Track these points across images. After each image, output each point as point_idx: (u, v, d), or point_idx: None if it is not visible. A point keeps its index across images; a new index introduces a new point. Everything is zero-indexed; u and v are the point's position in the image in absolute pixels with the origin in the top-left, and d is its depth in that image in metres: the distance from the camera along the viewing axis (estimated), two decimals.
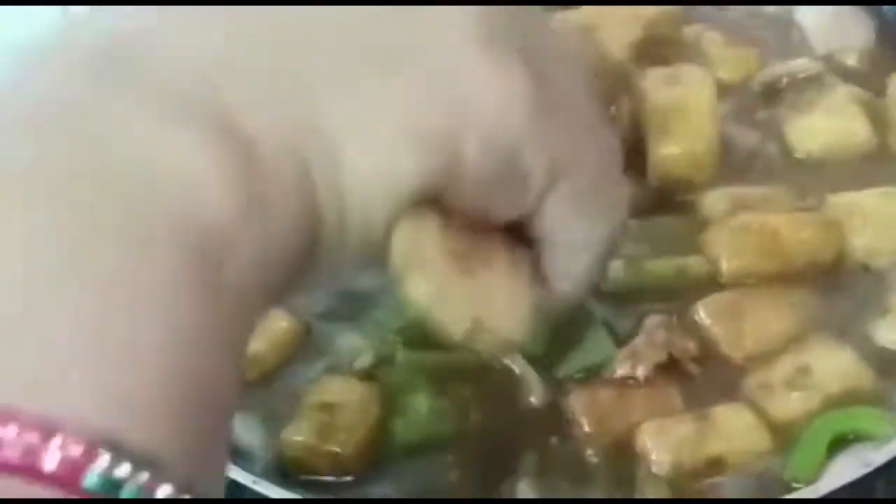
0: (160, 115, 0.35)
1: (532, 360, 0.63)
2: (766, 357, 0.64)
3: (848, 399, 0.63)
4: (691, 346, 0.64)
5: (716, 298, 0.65)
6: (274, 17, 0.37)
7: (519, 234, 0.44)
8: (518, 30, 0.40)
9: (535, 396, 0.63)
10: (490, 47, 0.38)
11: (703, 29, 0.79)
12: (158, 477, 0.30)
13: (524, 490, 0.59)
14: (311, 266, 0.38)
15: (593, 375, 0.63)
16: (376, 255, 0.40)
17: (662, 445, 0.60)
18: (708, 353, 0.64)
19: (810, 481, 0.59)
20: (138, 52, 0.36)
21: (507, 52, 0.38)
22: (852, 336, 0.66)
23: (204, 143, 0.34)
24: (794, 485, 0.60)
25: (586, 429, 0.62)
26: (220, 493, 0.34)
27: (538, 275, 0.45)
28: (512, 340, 0.45)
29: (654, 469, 0.60)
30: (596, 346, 0.63)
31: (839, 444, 0.61)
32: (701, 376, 0.64)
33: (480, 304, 0.43)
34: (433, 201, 0.40)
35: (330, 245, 0.38)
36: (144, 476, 0.30)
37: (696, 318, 0.65)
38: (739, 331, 0.65)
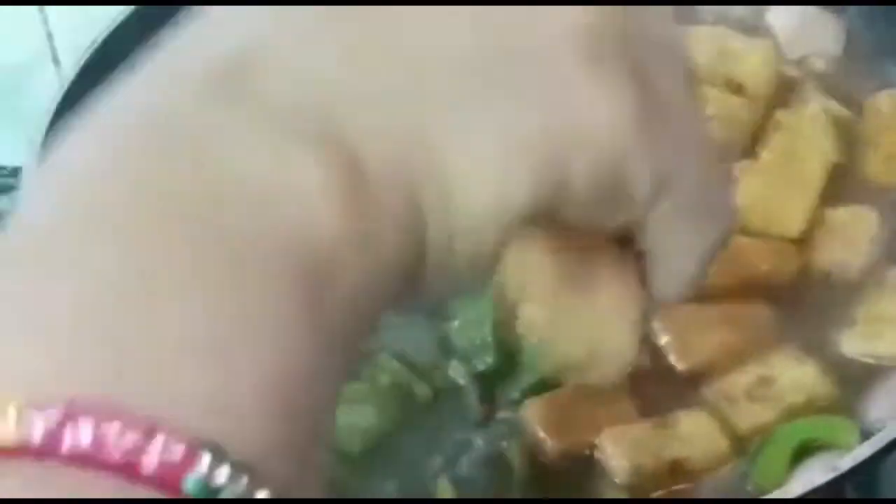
0: (274, 134, 0.34)
1: (484, 374, 0.64)
2: (714, 369, 0.64)
3: (810, 410, 0.62)
4: (643, 357, 0.63)
5: (670, 310, 0.65)
6: (384, 30, 0.37)
7: (623, 239, 0.44)
8: (630, 36, 0.39)
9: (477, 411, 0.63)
10: (600, 65, 0.38)
11: None
12: (257, 481, 0.30)
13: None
14: (412, 288, 0.38)
15: (550, 386, 0.63)
16: (481, 278, 0.39)
17: (622, 451, 0.60)
18: (659, 364, 0.64)
19: (775, 488, 0.58)
20: (254, 67, 0.35)
21: (618, 69, 0.38)
22: (819, 348, 0.66)
23: (316, 163, 0.34)
24: (759, 492, 0.59)
25: (543, 438, 0.62)
26: (316, 494, 0.34)
27: (643, 282, 0.44)
28: (625, 364, 0.44)
29: (616, 477, 0.60)
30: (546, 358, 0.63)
31: (802, 453, 0.61)
32: (654, 386, 0.63)
33: (595, 330, 0.43)
34: (540, 220, 0.39)
35: (435, 268, 0.37)
36: (244, 480, 0.30)
37: (649, 329, 0.64)
38: (687, 343, 0.64)
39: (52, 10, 0.96)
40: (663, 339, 0.65)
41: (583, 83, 0.37)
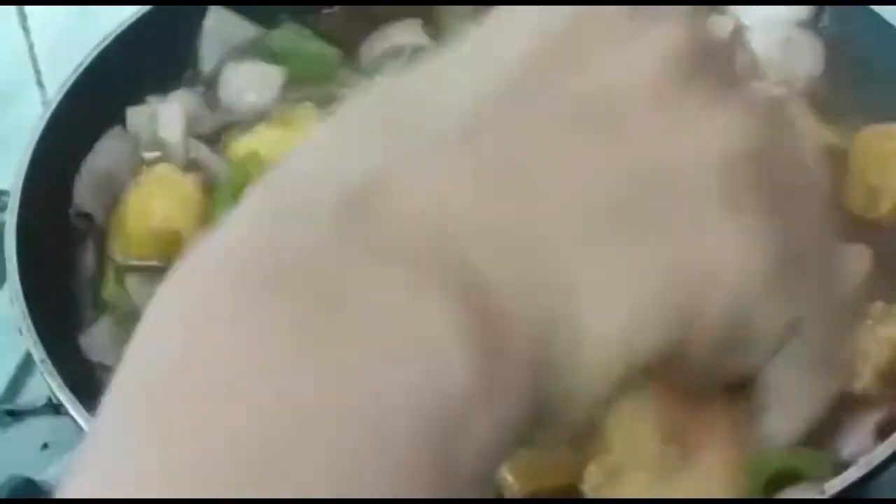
0: (403, 279, 0.33)
1: None
2: None
3: None
4: None
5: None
6: (511, 160, 0.35)
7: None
8: (769, 161, 0.36)
9: None
10: (736, 205, 0.35)
11: None
12: None
13: None
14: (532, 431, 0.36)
15: None
16: (585, 429, 0.37)
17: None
18: None
19: None
20: (376, 205, 0.33)
21: (755, 202, 0.36)
22: None
23: (448, 308, 0.32)
24: None
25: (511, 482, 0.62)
26: None
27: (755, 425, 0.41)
28: None
29: None
30: None
31: (773, 486, 0.61)
32: None
33: (697, 493, 0.41)
34: (657, 369, 0.37)
35: (549, 415, 0.35)
36: None
37: None
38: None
39: (36, 34, 0.96)
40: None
41: (718, 219, 0.35)
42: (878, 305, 0.70)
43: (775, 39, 0.81)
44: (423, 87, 0.36)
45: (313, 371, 0.31)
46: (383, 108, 0.36)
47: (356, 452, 0.31)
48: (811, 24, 0.83)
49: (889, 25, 0.79)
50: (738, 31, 0.75)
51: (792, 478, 0.61)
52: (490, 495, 0.35)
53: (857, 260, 0.71)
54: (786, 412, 0.40)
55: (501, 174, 0.34)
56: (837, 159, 0.75)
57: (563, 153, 0.35)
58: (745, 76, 0.38)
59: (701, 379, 0.38)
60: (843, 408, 0.66)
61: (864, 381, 0.67)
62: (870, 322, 0.69)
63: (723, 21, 0.82)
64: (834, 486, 0.59)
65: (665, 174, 0.35)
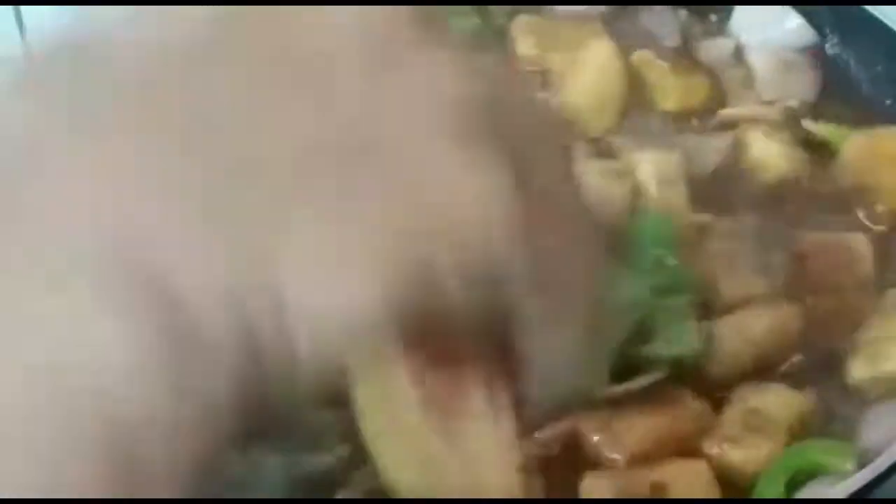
0: (68, 275, 0.30)
1: None
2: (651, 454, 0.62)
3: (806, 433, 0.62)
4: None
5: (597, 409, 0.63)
6: (199, 122, 0.32)
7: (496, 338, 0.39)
8: (498, 109, 0.35)
9: None
10: (464, 143, 0.33)
11: (652, 56, 0.79)
12: None
13: None
14: (258, 421, 0.34)
15: None
16: (333, 399, 0.37)
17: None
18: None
19: None
20: (27, 191, 0.31)
21: (484, 147, 0.33)
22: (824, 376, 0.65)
23: (117, 312, 0.30)
24: None
25: None
26: None
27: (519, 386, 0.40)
28: (507, 492, 0.41)
29: None
30: None
31: (796, 483, 0.60)
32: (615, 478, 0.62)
33: (467, 463, 0.40)
34: (407, 324, 0.34)
35: (281, 393, 0.33)
36: None
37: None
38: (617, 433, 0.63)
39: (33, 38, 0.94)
40: (594, 438, 0.63)
41: (447, 167, 0.33)
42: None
43: (774, 63, 0.81)
44: (116, 40, 0.34)
45: None
46: (67, 67, 0.33)
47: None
48: (814, 50, 0.83)
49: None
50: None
51: (814, 474, 0.60)
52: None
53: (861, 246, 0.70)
54: (544, 369, 0.38)
55: (189, 149, 0.31)
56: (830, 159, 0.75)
57: (267, 115, 0.32)
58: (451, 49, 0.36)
59: (454, 335, 0.36)
60: (867, 397, 0.65)
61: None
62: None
63: (722, 42, 0.81)
64: (857, 480, 0.58)
65: (381, 121, 0.33)
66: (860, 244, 0.71)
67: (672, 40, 0.84)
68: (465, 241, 0.33)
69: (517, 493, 0.41)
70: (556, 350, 0.37)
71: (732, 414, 0.63)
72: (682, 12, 0.85)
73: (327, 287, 0.32)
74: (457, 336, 0.37)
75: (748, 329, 0.65)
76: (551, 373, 0.38)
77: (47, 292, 0.30)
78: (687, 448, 0.62)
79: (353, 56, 0.33)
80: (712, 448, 0.62)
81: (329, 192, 0.32)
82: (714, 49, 0.84)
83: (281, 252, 0.31)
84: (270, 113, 0.32)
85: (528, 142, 0.35)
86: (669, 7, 0.85)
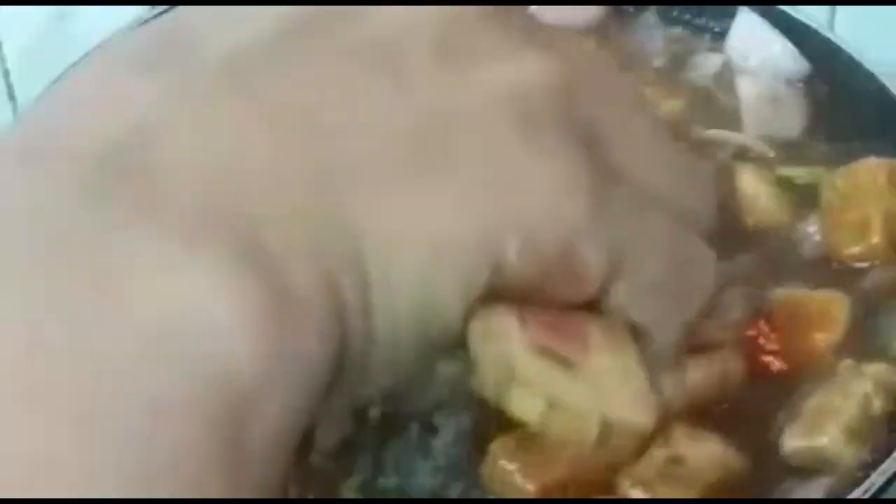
0: (171, 243, 0.30)
1: None
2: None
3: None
4: None
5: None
6: (290, 106, 0.33)
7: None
8: (575, 93, 0.35)
9: None
10: (537, 131, 0.34)
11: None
12: None
13: None
14: (353, 391, 0.34)
15: None
16: (430, 362, 0.36)
17: None
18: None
19: None
20: (138, 158, 0.31)
21: (559, 136, 0.34)
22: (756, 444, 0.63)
23: (226, 277, 0.30)
24: None
25: None
26: None
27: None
28: (644, 426, 0.39)
29: None
30: None
31: None
32: None
33: (599, 400, 0.38)
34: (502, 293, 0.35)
35: (378, 365, 0.34)
36: None
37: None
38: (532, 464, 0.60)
39: (9, 48, 0.95)
40: (510, 467, 0.60)
41: (518, 157, 0.34)
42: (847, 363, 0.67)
43: (762, 93, 0.80)
44: (202, 31, 0.34)
45: (67, 366, 0.29)
46: (158, 52, 0.34)
47: (125, 455, 0.29)
48: (805, 82, 0.81)
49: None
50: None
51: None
52: (287, 475, 0.33)
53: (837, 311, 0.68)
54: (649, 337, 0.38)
55: (279, 122, 0.33)
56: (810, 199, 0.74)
57: (346, 98, 0.34)
58: (530, 29, 0.37)
59: (539, 302, 0.36)
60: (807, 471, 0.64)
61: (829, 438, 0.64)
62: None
63: (714, 58, 0.80)
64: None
65: (454, 115, 0.34)
66: (837, 308, 0.69)
67: (658, 60, 0.83)
68: (533, 221, 0.34)
69: (652, 420, 0.39)
70: (655, 322, 0.38)
71: (656, 456, 0.61)
72: (677, 30, 0.84)
73: (414, 268, 0.33)
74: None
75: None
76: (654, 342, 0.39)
77: (158, 248, 0.30)
78: (603, 480, 0.60)
79: (428, 46, 0.34)
80: (624, 485, 0.60)
81: (410, 170, 0.33)
82: (703, 68, 0.82)
83: (372, 230, 0.33)
84: (352, 97, 0.33)
85: (616, 121, 0.36)
86: (662, 22, 0.83)
